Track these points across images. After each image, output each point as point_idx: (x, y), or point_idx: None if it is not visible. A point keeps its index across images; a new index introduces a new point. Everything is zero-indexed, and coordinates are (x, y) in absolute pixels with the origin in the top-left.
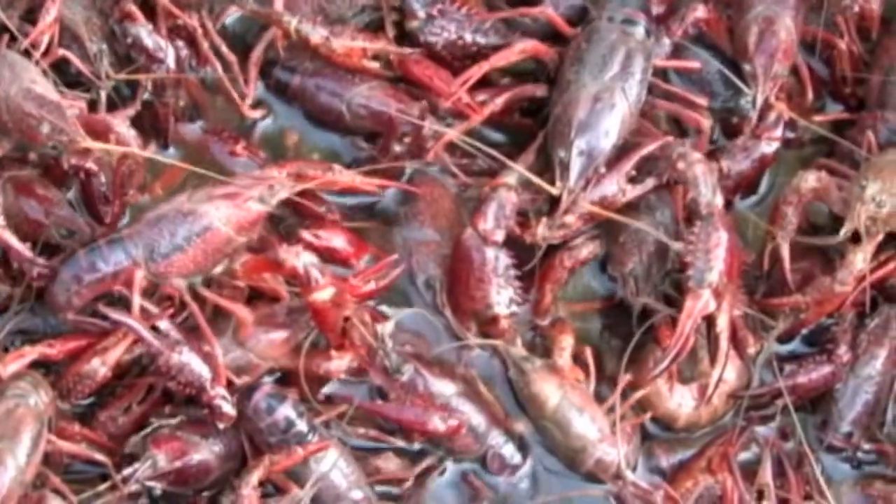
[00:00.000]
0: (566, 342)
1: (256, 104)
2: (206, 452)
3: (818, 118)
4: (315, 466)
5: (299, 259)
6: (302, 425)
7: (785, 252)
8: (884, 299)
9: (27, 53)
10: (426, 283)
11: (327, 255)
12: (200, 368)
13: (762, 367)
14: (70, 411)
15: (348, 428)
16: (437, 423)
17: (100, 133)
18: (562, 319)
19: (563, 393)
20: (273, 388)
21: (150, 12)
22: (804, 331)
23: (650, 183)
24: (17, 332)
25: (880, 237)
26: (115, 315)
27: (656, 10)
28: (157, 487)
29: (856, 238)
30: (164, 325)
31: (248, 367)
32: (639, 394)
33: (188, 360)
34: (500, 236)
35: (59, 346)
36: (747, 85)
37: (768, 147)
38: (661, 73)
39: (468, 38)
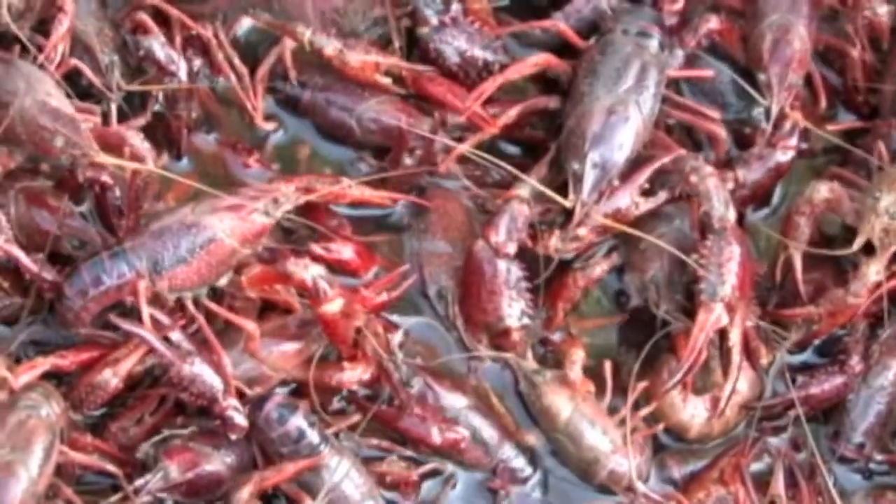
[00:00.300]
0: (577, 355)
1: (268, 117)
2: (217, 463)
3: (831, 127)
4: (327, 477)
5: (308, 271)
6: (313, 436)
7: (797, 263)
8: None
9: (40, 64)
10: (438, 293)
11: (338, 268)
12: (212, 379)
13: (774, 378)
14: (82, 422)
15: (360, 439)
16: (435, 436)
17: (114, 146)
18: (572, 333)
19: (574, 405)
20: (285, 398)
21: (164, 22)
22: (816, 341)
23: (663, 196)
24: (30, 343)
25: (893, 248)
26: (128, 326)
27: (669, 21)
28: (169, 499)
29: (868, 249)
30: (175, 336)
31: (261, 379)
32: (651, 407)
33: (200, 371)
34: (512, 249)
35: (71, 357)
36: (762, 94)
37: (783, 156)
38: (675, 85)
39: (477, 52)
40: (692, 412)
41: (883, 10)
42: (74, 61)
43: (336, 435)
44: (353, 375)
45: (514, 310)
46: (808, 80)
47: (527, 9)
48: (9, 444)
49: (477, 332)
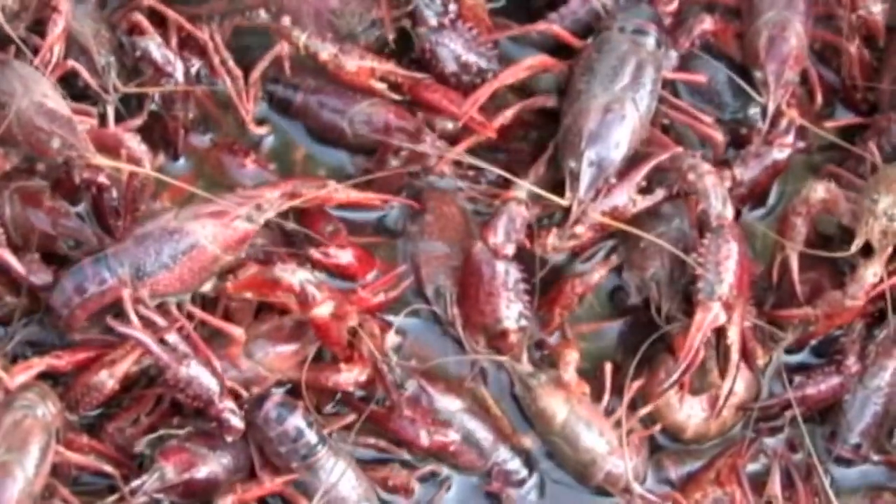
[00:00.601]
0: (571, 356)
1: (261, 121)
2: (214, 465)
3: (829, 124)
4: (324, 477)
5: (295, 276)
6: (311, 436)
7: (794, 263)
8: (893, 310)
9: (36, 65)
10: (436, 292)
11: (336, 272)
12: (208, 382)
13: (771, 379)
14: (78, 423)
15: (356, 438)
16: (424, 438)
17: (110, 147)
18: (567, 336)
19: (570, 407)
20: (283, 397)
21: (161, 23)
22: (813, 342)
23: (660, 194)
24: (27, 343)
25: (890, 250)
26: (124, 328)
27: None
28: (165, 500)
29: (865, 250)
30: (172, 338)
31: (257, 380)
32: (648, 407)
33: (196, 373)
34: (510, 250)
35: (66, 357)
36: (758, 92)
37: (780, 153)
38: (671, 85)
39: (471, 58)
40: (688, 412)
41: (877, 9)
42: (71, 62)
43: (331, 435)
44: (350, 377)
45: (512, 311)
46: (805, 78)
47: (522, 9)
48: (5, 444)
49: (474, 333)
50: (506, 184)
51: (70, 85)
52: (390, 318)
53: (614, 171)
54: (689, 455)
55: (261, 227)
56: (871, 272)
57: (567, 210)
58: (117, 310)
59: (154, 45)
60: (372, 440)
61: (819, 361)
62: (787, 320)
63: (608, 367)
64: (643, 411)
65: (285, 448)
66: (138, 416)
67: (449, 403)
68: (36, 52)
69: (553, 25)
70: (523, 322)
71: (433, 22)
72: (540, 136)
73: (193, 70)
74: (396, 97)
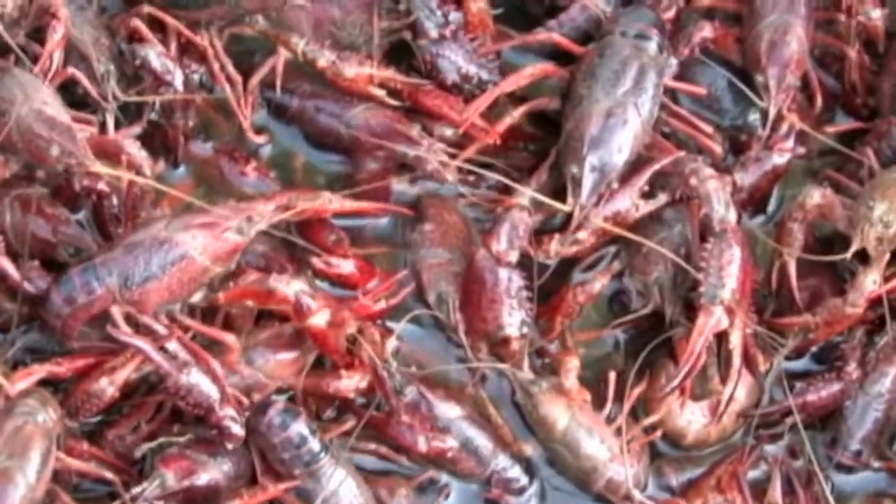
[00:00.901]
0: (572, 363)
1: (260, 130)
2: (214, 471)
3: (829, 129)
4: (325, 484)
5: (290, 287)
6: (314, 443)
7: (791, 269)
8: (893, 317)
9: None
10: (438, 297)
11: (338, 282)
12: (209, 389)
13: (772, 385)
14: (78, 430)
15: (356, 444)
16: (422, 444)
17: (111, 154)
18: (568, 343)
19: (571, 414)
20: (287, 404)
21: (160, 28)
22: (813, 349)
23: (663, 198)
24: (27, 350)
25: (887, 256)
26: (124, 336)
27: None
28: None
29: (864, 256)
30: (172, 345)
31: (257, 387)
32: (653, 418)
33: (197, 380)
34: (513, 257)
35: (67, 364)
36: (759, 96)
37: (780, 158)
38: (670, 92)
39: (472, 69)
40: (689, 418)
41: (877, 15)
42: (71, 70)
43: (331, 442)
44: (351, 383)
45: (514, 319)
46: (805, 83)
47: (521, 16)
48: (6, 450)
49: (476, 340)
50: (507, 191)
51: (69, 92)
52: (391, 324)
53: (616, 177)
54: (690, 462)
55: (263, 234)
56: (871, 279)
57: (569, 215)
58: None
59: (154, 54)
60: (372, 446)
61: (820, 368)
62: (787, 327)
63: (612, 375)
64: (647, 421)
65: (288, 455)
66: (139, 423)
67: (448, 410)
68: (35, 59)
69: (553, 34)
70: (525, 329)
71: (434, 34)
72: (537, 147)
73: (196, 76)
74: (395, 103)
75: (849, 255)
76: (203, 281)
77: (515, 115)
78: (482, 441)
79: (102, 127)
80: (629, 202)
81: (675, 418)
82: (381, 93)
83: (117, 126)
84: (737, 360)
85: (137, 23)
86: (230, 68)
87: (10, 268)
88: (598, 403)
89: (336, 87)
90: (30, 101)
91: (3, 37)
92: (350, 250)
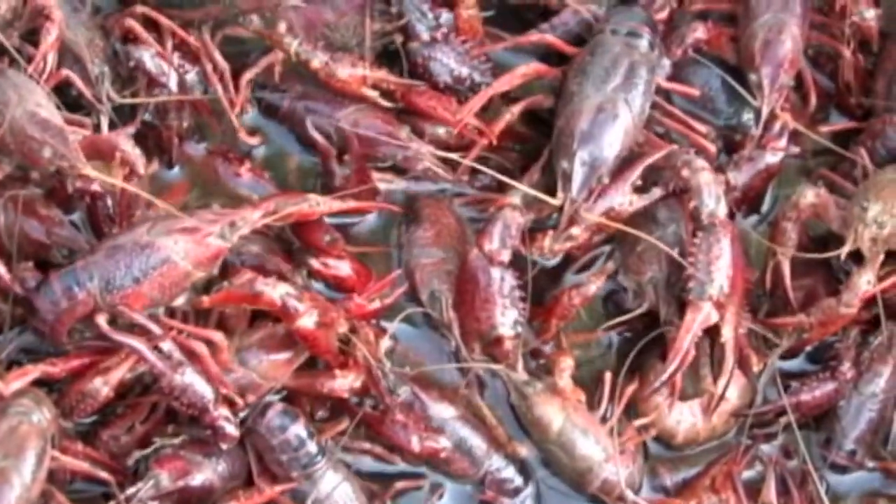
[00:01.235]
0: (565, 363)
1: (253, 131)
2: (209, 472)
3: (824, 129)
4: (322, 487)
5: (276, 291)
6: (312, 445)
7: (785, 268)
8: (887, 317)
9: (30, 74)
10: (431, 295)
11: (335, 283)
12: (203, 389)
13: (766, 385)
14: (73, 430)
15: (351, 443)
16: (415, 444)
17: (105, 152)
18: (562, 344)
19: (566, 415)
20: (286, 406)
21: (154, 27)
22: (808, 348)
23: (656, 192)
24: (22, 350)
25: (881, 257)
26: (119, 337)
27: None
28: None
29: (859, 256)
30: (166, 346)
31: (251, 387)
32: (645, 420)
33: (191, 381)
34: (506, 256)
35: (61, 364)
36: (752, 95)
37: (773, 157)
38: (664, 91)
39: (464, 71)
40: (678, 418)
41: (871, 15)
42: (65, 72)
43: (325, 443)
44: (345, 383)
45: (507, 318)
46: (799, 82)
47: (512, 19)
48: (1, 450)
49: (470, 340)
50: (500, 189)
51: (64, 94)
52: (385, 324)
53: (607, 171)
54: (684, 462)
55: (258, 234)
56: (865, 279)
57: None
58: (109, 318)
59: (148, 56)
60: (367, 446)
61: (814, 368)
62: (781, 327)
63: (608, 375)
64: (639, 422)
65: (286, 457)
66: (133, 423)
67: (442, 410)
68: (30, 60)
69: (546, 35)
70: (519, 329)
71: (425, 37)
72: (526, 148)
73: (190, 77)
74: (388, 104)
75: (843, 255)
76: (185, 285)
77: (515, 111)
78: (476, 441)
79: (97, 129)
80: (622, 197)
81: (663, 419)
82: (374, 94)
83: (112, 128)
84: (729, 353)
85: (132, 23)
86: (224, 70)
87: (1, 270)
88: (592, 404)
89: (329, 88)
90: (24, 102)
91: None
92: (345, 250)
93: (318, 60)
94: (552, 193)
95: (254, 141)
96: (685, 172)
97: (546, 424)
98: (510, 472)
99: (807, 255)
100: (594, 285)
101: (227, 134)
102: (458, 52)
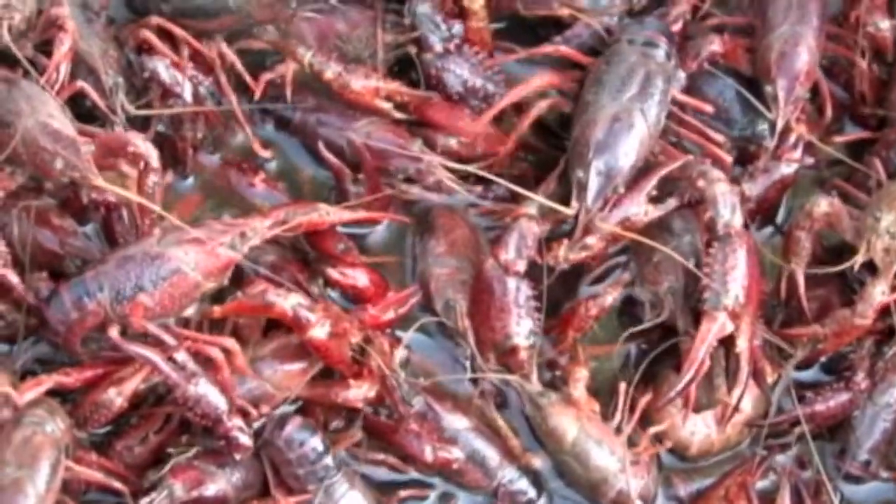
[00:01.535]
0: (580, 374)
1: (266, 144)
2: (223, 482)
3: (838, 139)
4: (337, 500)
5: (287, 302)
6: (328, 459)
7: (800, 278)
8: None
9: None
10: (446, 304)
11: (352, 293)
12: (217, 400)
13: (780, 395)
14: (87, 440)
15: (363, 454)
16: (428, 454)
17: (117, 150)
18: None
19: (580, 425)
20: (305, 420)
21: (168, 38)
22: (822, 359)
23: (672, 203)
24: (36, 360)
25: (895, 267)
26: (133, 348)
27: None
28: None
29: (873, 267)
30: (180, 356)
31: (265, 398)
32: (658, 427)
33: (205, 391)
34: (521, 266)
35: (75, 374)
36: (767, 107)
37: (788, 168)
38: (679, 103)
39: (478, 82)
40: (692, 429)
41: (885, 25)
42: (79, 83)
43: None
44: (360, 393)
45: (522, 328)
46: (815, 93)
47: (523, 31)
48: (15, 460)
49: (485, 350)
50: (515, 200)
51: (77, 105)
52: (400, 334)
53: (623, 181)
54: (699, 473)
55: (273, 244)
56: (879, 290)
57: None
58: (121, 329)
59: (163, 66)
60: (381, 456)
61: (828, 378)
62: (796, 338)
63: (622, 386)
64: (652, 430)
65: (304, 470)
66: (147, 433)
67: (455, 421)
68: (43, 71)
69: (560, 47)
70: (534, 339)
71: (439, 48)
72: (538, 158)
73: (203, 88)
74: (401, 116)
75: (857, 265)
76: (195, 296)
77: (533, 114)
78: (489, 453)
79: None
80: (637, 207)
81: (677, 430)
82: (387, 105)
83: None
84: (744, 363)
85: (148, 34)
86: (246, 77)
87: (15, 280)
88: (607, 415)
89: (342, 99)
90: (36, 113)
91: (11, 49)
92: (359, 259)
93: (331, 71)
94: (567, 203)
95: (266, 154)
96: (701, 183)
97: (560, 435)
98: (523, 484)
99: (820, 271)
100: (611, 296)
101: (245, 145)
102: (472, 63)
